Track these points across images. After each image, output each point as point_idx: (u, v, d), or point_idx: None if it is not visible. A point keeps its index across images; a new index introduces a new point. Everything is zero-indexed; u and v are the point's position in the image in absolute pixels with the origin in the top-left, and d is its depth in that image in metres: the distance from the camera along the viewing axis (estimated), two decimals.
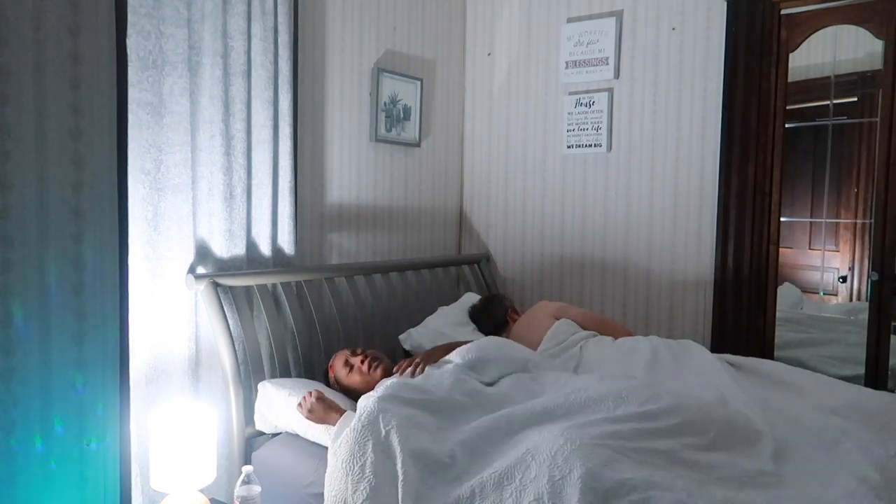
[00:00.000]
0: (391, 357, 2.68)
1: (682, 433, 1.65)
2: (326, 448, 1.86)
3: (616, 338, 2.52)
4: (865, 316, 2.51)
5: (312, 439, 2.03)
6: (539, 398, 1.85)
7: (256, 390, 2.23)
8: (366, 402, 1.80)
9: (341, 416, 1.93)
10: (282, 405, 2.12)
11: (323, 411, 1.96)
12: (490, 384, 2.04)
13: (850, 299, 2.74)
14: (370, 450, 1.68)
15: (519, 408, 1.80)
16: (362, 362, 2.17)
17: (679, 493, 1.43)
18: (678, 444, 1.61)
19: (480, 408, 1.87)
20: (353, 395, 2.14)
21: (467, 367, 2.05)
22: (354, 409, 1.97)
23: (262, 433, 2.24)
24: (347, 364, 2.19)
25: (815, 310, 2.82)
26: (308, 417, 1.98)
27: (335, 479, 1.70)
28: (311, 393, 2.00)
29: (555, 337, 2.51)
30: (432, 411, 1.82)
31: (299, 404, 2.01)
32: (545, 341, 2.51)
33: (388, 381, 1.97)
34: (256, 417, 2.22)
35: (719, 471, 1.57)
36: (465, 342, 2.26)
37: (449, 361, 2.11)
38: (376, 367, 2.16)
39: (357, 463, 1.67)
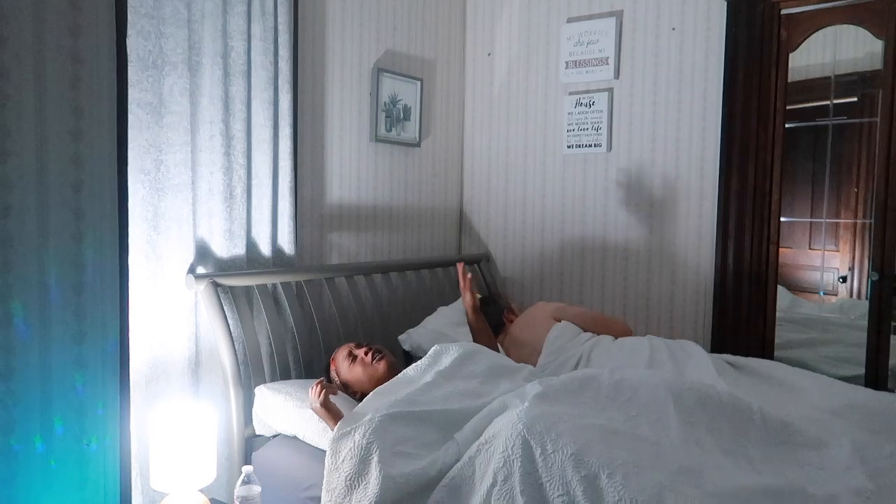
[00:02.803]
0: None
1: (673, 414, 1.71)
2: (325, 451, 1.84)
3: (615, 336, 2.52)
4: (865, 316, 2.51)
5: (311, 442, 2.03)
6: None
7: (254, 394, 2.22)
8: (366, 420, 1.76)
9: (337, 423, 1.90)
10: (279, 410, 2.11)
11: (328, 410, 1.92)
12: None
13: (851, 299, 2.74)
14: (374, 463, 1.67)
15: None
16: (366, 354, 2.16)
17: (663, 473, 1.47)
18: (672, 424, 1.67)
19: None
20: (353, 390, 2.13)
21: (463, 371, 2.03)
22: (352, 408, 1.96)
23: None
24: (350, 355, 2.17)
25: (814, 310, 2.81)
26: (313, 407, 1.92)
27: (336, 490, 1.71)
28: (321, 384, 1.92)
29: (553, 346, 2.48)
30: (432, 425, 1.79)
31: (312, 387, 1.93)
32: (544, 355, 2.46)
33: (391, 381, 1.97)
34: (255, 422, 2.22)
35: (718, 445, 1.63)
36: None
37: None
38: (379, 360, 2.14)
39: (362, 482, 1.67)
